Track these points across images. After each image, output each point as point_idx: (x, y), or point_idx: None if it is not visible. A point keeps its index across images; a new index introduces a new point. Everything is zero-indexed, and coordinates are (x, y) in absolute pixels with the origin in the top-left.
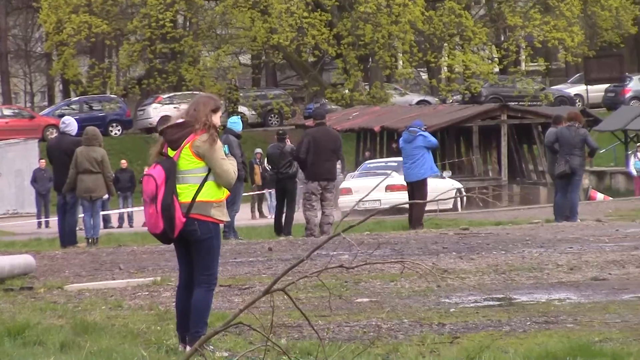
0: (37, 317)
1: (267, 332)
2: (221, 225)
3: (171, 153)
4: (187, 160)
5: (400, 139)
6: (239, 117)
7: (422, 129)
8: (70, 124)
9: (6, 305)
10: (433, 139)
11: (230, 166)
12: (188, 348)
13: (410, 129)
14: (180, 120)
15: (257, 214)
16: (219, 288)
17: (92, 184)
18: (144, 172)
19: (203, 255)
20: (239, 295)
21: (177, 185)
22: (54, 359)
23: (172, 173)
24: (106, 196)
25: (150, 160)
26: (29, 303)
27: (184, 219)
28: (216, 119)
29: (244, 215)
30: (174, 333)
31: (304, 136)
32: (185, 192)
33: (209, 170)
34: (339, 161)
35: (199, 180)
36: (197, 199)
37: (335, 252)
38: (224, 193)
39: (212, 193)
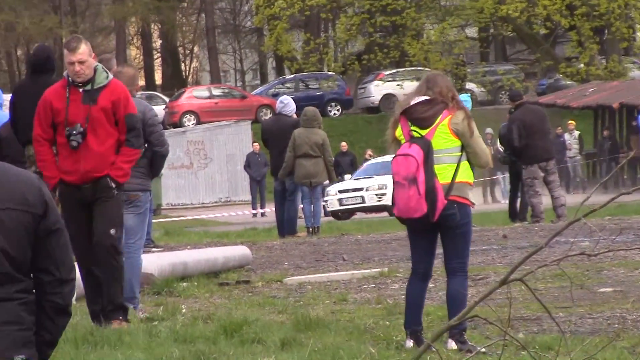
0: (255, 313)
1: (504, 325)
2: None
3: (421, 132)
4: (443, 138)
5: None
6: (469, 95)
7: None
8: (288, 104)
9: (222, 300)
10: None
11: (485, 146)
12: (410, 343)
13: None
14: (427, 98)
15: (489, 198)
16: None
17: (312, 168)
18: (396, 153)
19: (458, 242)
20: (473, 287)
21: (434, 165)
22: (274, 357)
23: (430, 152)
24: (327, 182)
25: (391, 144)
26: (246, 298)
27: (445, 201)
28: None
29: (476, 201)
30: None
31: (510, 122)
32: (443, 173)
33: (463, 150)
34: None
35: (455, 160)
36: (456, 179)
37: (575, 239)
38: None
39: (468, 174)
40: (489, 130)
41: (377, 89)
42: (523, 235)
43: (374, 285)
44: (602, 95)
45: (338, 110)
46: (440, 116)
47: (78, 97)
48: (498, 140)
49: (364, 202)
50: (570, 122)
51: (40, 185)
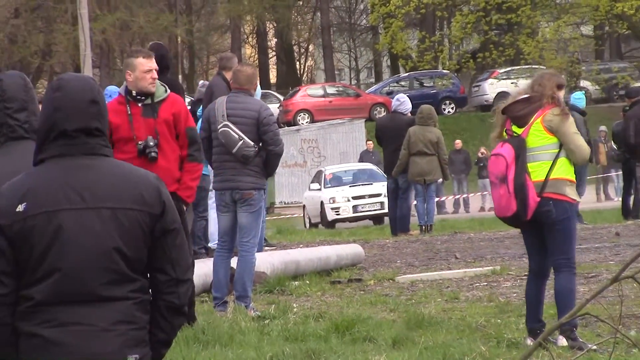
0: (367, 311)
1: (615, 323)
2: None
3: (517, 131)
4: (537, 136)
5: None
6: (583, 92)
7: None
8: (404, 102)
9: (333, 298)
10: None
11: (584, 141)
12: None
13: None
14: (526, 96)
15: (602, 196)
16: None
17: (427, 166)
18: (490, 153)
19: (560, 239)
20: (585, 284)
21: (528, 164)
22: (385, 355)
23: (522, 151)
24: (440, 180)
25: (493, 141)
26: (358, 296)
27: (537, 199)
28: (561, 95)
29: (589, 198)
30: (515, 326)
31: (626, 119)
32: (537, 170)
33: (561, 147)
34: None
35: (551, 157)
36: (551, 176)
37: None
38: (574, 173)
39: (566, 170)
40: (602, 128)
41: (491, 87)
42: (636, 233)
43: (486, 283)
44: None
45: (452, 108)
46: (536, 114)
47: (138, 111)
48: (612, 138)
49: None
50: None
51: (159, 185)
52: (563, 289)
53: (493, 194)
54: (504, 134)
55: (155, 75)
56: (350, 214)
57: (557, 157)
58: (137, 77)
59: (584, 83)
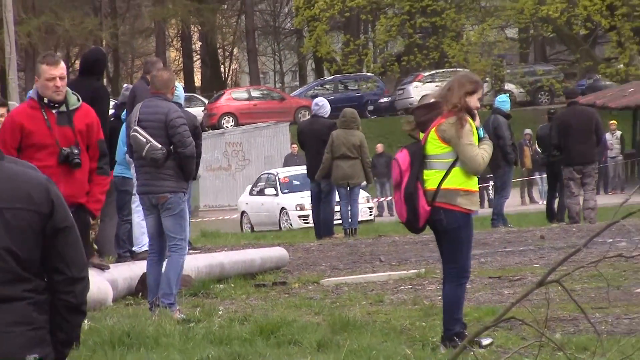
0: (292, 315)
1: (540, 326)
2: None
3: (421, 136)
4: (433, 144)
5: None
6: (507, 95)
7: None
8: (323, 106)
9: (258, 301)
10: None
11: (480, 152)
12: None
13: None
14: (431, 101)
15: (527, 199)
16: (487, 280)
17: (350, 170)
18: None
19: (450, 247)
20: (510, 288)
21: (424, 171)
22: (310, 359)
23: (417, 158)
24: (364, 183)
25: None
26: (283, 299)
27: (428, 208)
28: (473, 100)
29: (513, 201)
30: (440, 329)
31: (554, 119)
32: (431, 179)
33: (458, 156)
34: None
35: (445, 167)
36: (442, 186)
37: (612, 240)
38: (474, 183)
39: (460, 180)
40: (527, 131)
41: (416, 90)
42: (560, 236)
43: (410, 286)
44: None
45: (376, 111)
46: (434, 122)
47: (52, 118)
48: (536, 141)
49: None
50: (612, 122)
51: (48, 184)
52: (449, 298)
53: (393, 199)
54: (413, 138)
55: (60, 83)
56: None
57: (452, 166)
58: (41, 84)
59: (508, 86)
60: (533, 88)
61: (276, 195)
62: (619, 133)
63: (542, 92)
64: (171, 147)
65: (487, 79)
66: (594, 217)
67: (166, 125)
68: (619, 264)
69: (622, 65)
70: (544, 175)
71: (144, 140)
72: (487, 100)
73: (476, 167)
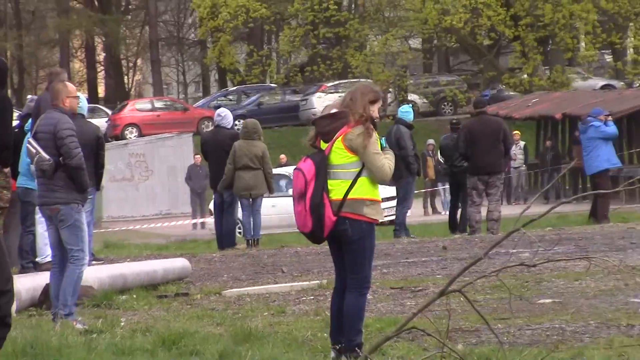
0: (194, 326)
1: (442, 337)
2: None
3: (324, 146)
4: (339, 154)
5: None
6: (410, 106)
7: (603, 117)
8: (226, 116)
9: (160, 312)
10: (608, 129)
11: (386, 161)
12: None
13: (588, 117)
14: (334, 111)
15: (430, 210)
16: (389, 291)
17: (252, 180)
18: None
19: (354, 257)
20: (412, 298)
21: (329, 181)
22: None
23: (322, 168)
24: (267, 194)
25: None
26: (185, 310)
27: (334, 218)
28: (375, 110)
29: (416, 212)
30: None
31: (461, 128)
32: (336, 189)
33: (363, 166)
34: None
35: (352, 176)
36: (349, 196)
37: (514, 250)
38: (378, 192)
39: (366, 190)
40: (430, 141)
41: (319, 101)
42: (463, 247)
43: (312, 297)
44: (545, 105)
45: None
46: (340, 131)
47: None
48: (439, 152)
49: None
50: (515, 132)
51: None
52: (350, 309)
53: (294, 209)
54: (314, 148)
55: None
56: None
57: (358, 176)
58: None
59: (412, 96)
60: (436, 98)
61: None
62: (522, 143)
63: (446, 103)
64: (60, 159)
65: (390, 89)
66: (497, 229)
67: (54, 137)
68: (521, 274)
69: (525, 76)
70: (447, 186)
71: (34, 151)
72: (391, 111)
73: (384, 176)
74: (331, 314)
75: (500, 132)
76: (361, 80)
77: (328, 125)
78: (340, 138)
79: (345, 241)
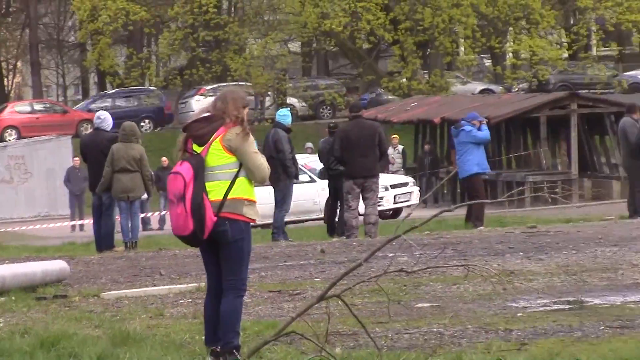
0: (72, 328)
1: (321, 341)
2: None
3: (198, 149)
4: (217, 155)
5: None
6: (289, 109)
7: (477, 122)
8: (105, 119)
9: (39, 315)
10: (478, 134)
11: (264, 161)
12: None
13: (461, 121)
14: (207, 114)
15: None
16: (267, 294)
17: (130, 183)
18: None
19: (232, 259)
20: (290, 302)
21: (206, 183)
22: None
23: (200, 170)
24: (145, 196)
25: (178, 160)
26: (63, 312)
27: (214, 218)
28: (245, 114)
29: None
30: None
31: (337, 132)
32: (215, 190)
33: (240, 166)
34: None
35: (230, 177)
36: (229, 196)
37: (393, 254)
38: (254, 193)
39: (244, 190)
40: (309, 144)
41: (198, 104)
42: (341, 251)
43: (190, 300)
44: (423, 109)
45: (157, 124)
46: (216, 133)
47: None
48: (317, 155)
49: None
50: (394, 136)
51: None
52: (229, 310)
53: (171, 213)
54: (186, 152)
55: None
56: (391, 205)
57: (236, 176)
58: None
59: (291, 100)
60: (315, 102)
61: (311, 181)
62: (400, 147)
63: (324, 106)
64: None
65: (269, 92)
66: (375, 232)
67: None
68: (399, 279)
69: (404, 80)
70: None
71: None
72: (269, 114)
73: (263, 175)
74: (205, 319)
75: (375, 136)
76: (240, 83)
77: (203, 129)
78: (218, 139)
79: (224, 242)
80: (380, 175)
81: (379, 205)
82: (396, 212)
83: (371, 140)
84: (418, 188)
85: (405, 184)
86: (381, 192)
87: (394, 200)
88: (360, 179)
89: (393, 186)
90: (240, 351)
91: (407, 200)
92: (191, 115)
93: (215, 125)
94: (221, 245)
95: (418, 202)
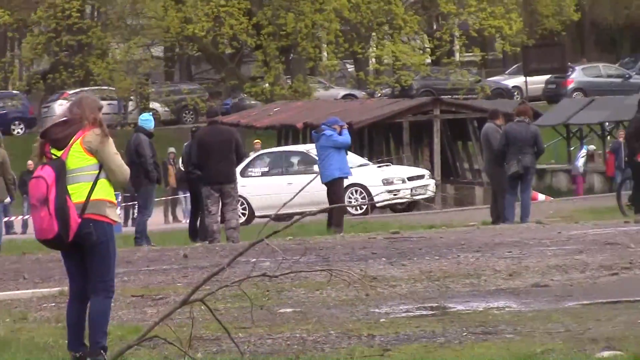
0: None
1: (184, 345)
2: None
3: (57, 153)
4: (77, 157)
5: None
6: (151, 114)
7: (338, 126)
8: None
9: None
10: (339, 138)
11: (123, 162)
12: None
13: (322, 126)
14: (65, 119)
15: (170, 218)
16: (130, 299)
17: None
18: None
19: (99, 261)
20: (153, 307)
21: (68, 186)
22: None
23: (62, 172)
24: (8, 200)
25: (35, 165)
26: None
27: (79, 220)
28: (101, 117)
29: (157, 220)
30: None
31: (194, 138)
32: (78, 192)
33: (101, 168)
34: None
35: (92, 178)
36: (92, 197)
37: (255, 260)
38: (114, 194)
39: (106, 192)
40: (171, 149)
41: (60, 108)
42: (204, 255)
43: (54, 304)
44: (286, 115)
45: (22, 128)
46: (76, 136)
47: None
48: (180, 160)
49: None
50: (256, 141)
51: None
52: (98, 311)
53: (34, 217)
54: (44, 157)
55: None
56: (409, 198)
57: (97, 178)
58: None
59: (153, 104)
60: (178, 107)
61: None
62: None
63: (187, 111)
64: None
65: (132, 97)
66: (236, 237)
67: None
68: (262, 283)
69: (267, 85)
70: (187, 195)
71: None
72: (132, 119)
73: (125, 176)
74: (68, 323)
75: (232, 141)
76: (103, 87)
77: (62, 132)
78: (78, 141)
79: (90, 245)
80: (397, 167)
81: (397, 198)
82: (410, 205)
83: (228, 146)
84: (434, 181)
85: (421, 177)
86: (399, 185)
87: (412, 193)
88: (217, 185)
89: (410, 178)
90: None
91: (424, 193)
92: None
93: (74, 128)
94: (86, 248)
95: (433, 194)
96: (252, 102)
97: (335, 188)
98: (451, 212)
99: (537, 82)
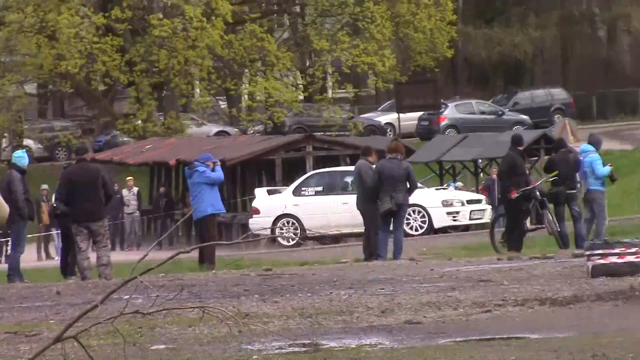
0: None
1: None
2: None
3: None
4: None
5: None
6: (25, 151)
7: (211, 162)
8: None
9: None
10: (212, 175)
11: (1, 200)
12: None
13: (195, 162)
14: None
15: (44, 254)
16: (3, 335)
17: None
18: None
19: None
20: (26, 343)
21: None
22: None
23: None
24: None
25: None
26: None
27: None
28: None
29: (29, 256)
30: None
31: (61, 175)
32: None
33: None
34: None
35: None
36: None
37: (128, 296)
38: None
39: None
40: (44, 186)
41: None
42: (76, 292)
43: None
44: (159, 151)
45: None
46: None
47: None
48: (53, 196)
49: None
50: (129, 178)
51: None
52: None
53: None
54: None
55: None
56: (467, 221)
57: None
58: None
59: (27, 141)
60: (51, 143)
61: None
62: (135, 189)
63: (60, 148)
64: None
65: (5, 134)
66: (109, 274)
67: None
68: (135, 320)
69: (140, 121)
70: (59, 231)
71: None
72: (6, 156)
73: (3, 214)
74: None
75: (98, 179)
76: None
77: None
78: None
79: None
80: (457, 191)
81: (455, 220)
82: (465, 228)
83: (94, 184)
84: (490, 207)
85: (479, 201)
86: (458, 207)
87: (470, 217)
88: (84, 223)
89: (469, 202)
90: None
91: (481, 218)
92: None
93: None
94: None
95: (489, 219)
96: (125, 139)
97: (207, 224)
98: (324, 249)
99: (410, 118)
